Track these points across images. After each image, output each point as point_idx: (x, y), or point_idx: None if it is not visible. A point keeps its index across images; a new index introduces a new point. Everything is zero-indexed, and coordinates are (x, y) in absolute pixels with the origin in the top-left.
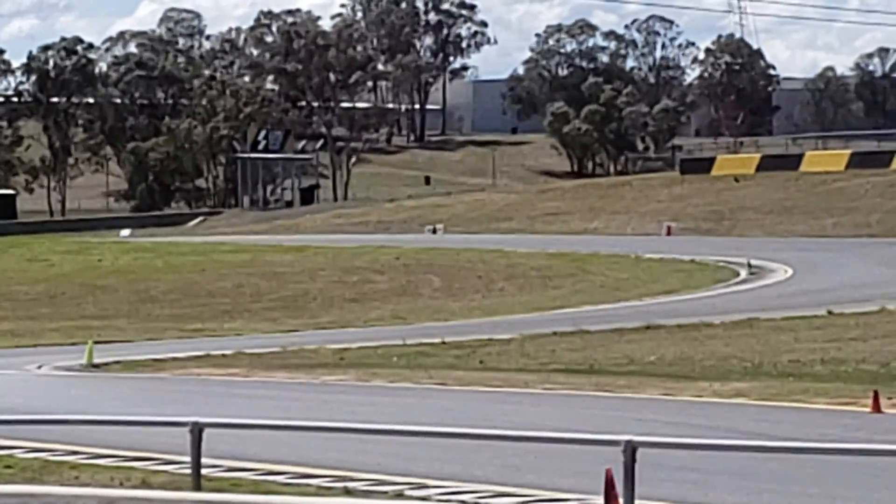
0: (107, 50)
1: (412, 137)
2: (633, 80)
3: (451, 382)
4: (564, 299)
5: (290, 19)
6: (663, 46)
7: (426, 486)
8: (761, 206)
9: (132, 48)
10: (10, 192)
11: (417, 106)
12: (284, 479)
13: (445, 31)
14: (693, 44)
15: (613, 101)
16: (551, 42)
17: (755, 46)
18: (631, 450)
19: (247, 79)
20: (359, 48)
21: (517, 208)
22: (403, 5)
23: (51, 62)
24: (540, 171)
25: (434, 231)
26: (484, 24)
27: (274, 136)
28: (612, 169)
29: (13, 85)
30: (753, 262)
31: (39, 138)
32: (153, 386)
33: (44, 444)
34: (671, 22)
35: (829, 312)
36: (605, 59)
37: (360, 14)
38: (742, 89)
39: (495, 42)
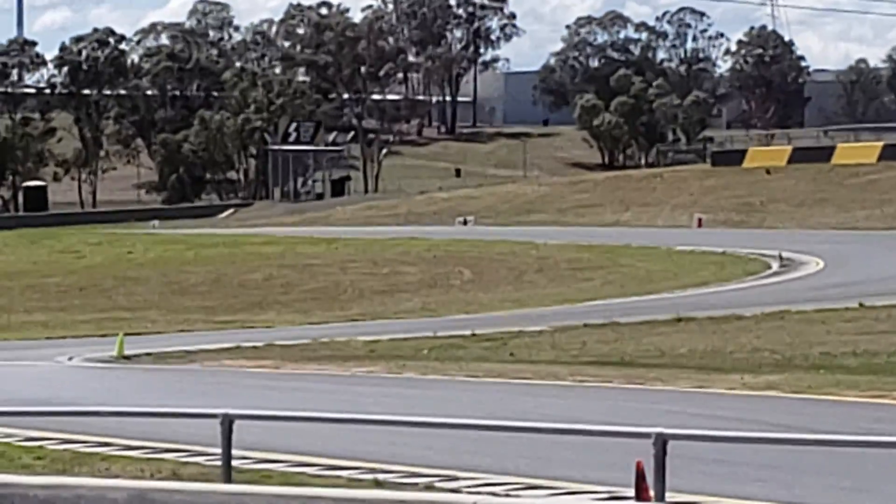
0: (138, 42)
1: (443, 129)
2: (664, 72)
3: (481, 374)
4: (595, 291)
5: (321, 11)
6: (694, 38)
7: (456, 479)
8: (793, 198)
9: (164, 40)
10: (42, 183)
11: (448, 98)
12: (314, 471)
13: (476, 23)
14: (724, 35)
15: (644, 93)
16: (582, 33)
17: (787, 38)
18: (662, 442)
19: (278, 71)
20: (389, 40)
21: (548, 200)
22: None
23: (83, 54)
24: (571, 163)
25: (465, 223)
26: (513, 16)
27: (305, 127)
28: (642, 161)
29: (45, 77)
30: (785, 254)
31: (71, 130)
32: (184, 378)
33: (74, 435)
34: (702, 14)
35: (861, 305)
36: (636, 51)
37: (390, 6)
38: (773, 81)
39: (524, 33)
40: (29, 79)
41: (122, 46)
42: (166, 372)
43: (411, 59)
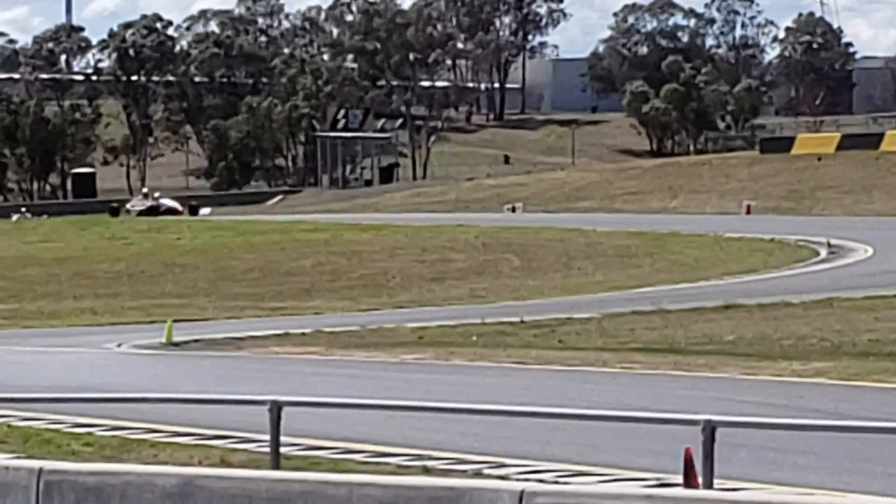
0: (188, 28)
1: (491, 116)
2: (713, 59)
3: (529, 361)
4: (643, 278)
5: None
6: (743, 25)
7: (504, 465)
8: (841, 185)
9: (213, 27)
10: (91, 170)
11: (497, 84)
12: (362, 457)
13: (524, 10)
14: (772, 23)
15: (693, 80)
16: (631, 20)
17: (836, 25)
18: (710, 429)
19: (326, 57)
20: (438, 27)
21: (596, 187)
22: None
23: (131, 40)
24: (619, 150)
25: (513, 210)
26: (561, 1)
27: (353, 114)
28: (691, 148)
29: (93, 63)
30: (833, 241)
31: (119, 117)
32: (232, 364)
33: (123, 422)
34: (751, 0)
35: None
36: (684, 37)
37: None
38: (821, 68)
39: (571, 16)
40: (77, 65)
41: (171, 33)
42: (215, 358)
43: (460, 45)
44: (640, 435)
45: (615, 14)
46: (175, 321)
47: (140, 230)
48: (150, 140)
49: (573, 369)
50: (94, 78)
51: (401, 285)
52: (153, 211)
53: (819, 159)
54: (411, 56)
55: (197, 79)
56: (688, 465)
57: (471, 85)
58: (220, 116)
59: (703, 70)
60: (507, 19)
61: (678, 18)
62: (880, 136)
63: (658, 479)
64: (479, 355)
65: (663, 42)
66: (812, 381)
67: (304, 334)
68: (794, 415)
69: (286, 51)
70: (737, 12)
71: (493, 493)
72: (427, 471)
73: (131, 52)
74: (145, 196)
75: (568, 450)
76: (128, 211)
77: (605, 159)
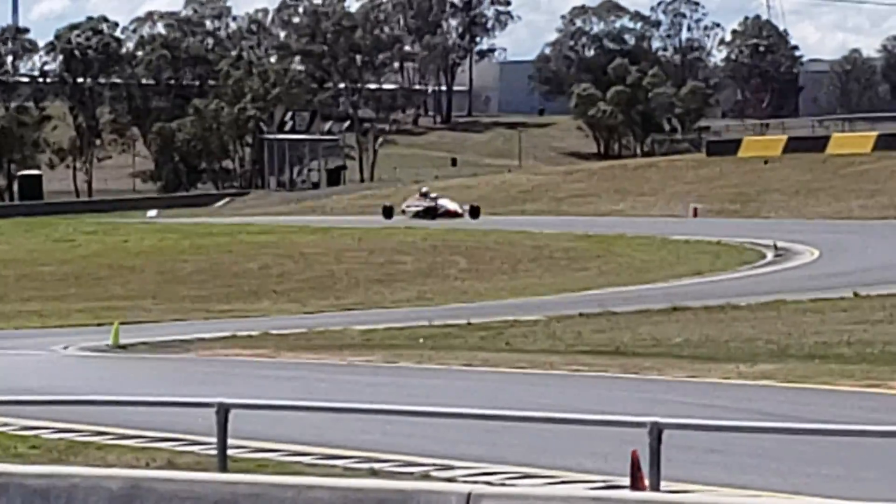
0: (134, 30)
1: (438, 119)
2: (660, 61)
3: (477, 363)
4: (591, 281)
5: (316, 0)
6: (689, 28)
7: (452, 468)
8: (787, 187)
9: (159, 28)
10: (37, 172)
11: (444, 87)
12: (310, 460)
13: (472, 12)
14: (719, 25)
15: (640, 83)
16: (578, 23)
17: (781, 28)
18: (657, 431)
19: (273, 60)
20: (385, 29)
21: (543, 190)
22: None
23: (77, 42)
24: (566, 153)
25: None
26: (508, 3)
27: (300, 117)
28: (638, 150)
29: (39, 65)
30: (780, 243)
31: (66, 119)
32: (179, 367)
33: (70, 424)
34: (697, 3)
35: (856, 294)
36: (631, 40)
37: None
38: (768, 71)
39: (519, 19)
40: (23, 67)
41: (117, 34)
42: (162, 361)
43: (407, 48)
44: (587, 437)
45: (562, 16)
46: (122, 323)
47: (87, 232)
48: (97, 142)
49: (520, 371)
50: (40, 80)
51: (348, 287)
52: (430, 212)
53: (765, 162)
54: (358, 58)
55: (144, 81)
56: (634, 468)
57: (418, 87)
58: (167, 119)
59: (650, 73)
60: (454, 22)
61: (625, 21)
62: (826, 138)
63: (605, 481)
64: (426, 357)
65: (610, 45)
66: (759, 383)
67: (251, 336)
68: (741, 417)
69: (233, 53)
70: (683, 15)
71: (440, 496)
72: (375, 473)
73: (77, 53)
74: (423, 195)
75: (516, 452)
76: (403, 212)
77: (553, 162)
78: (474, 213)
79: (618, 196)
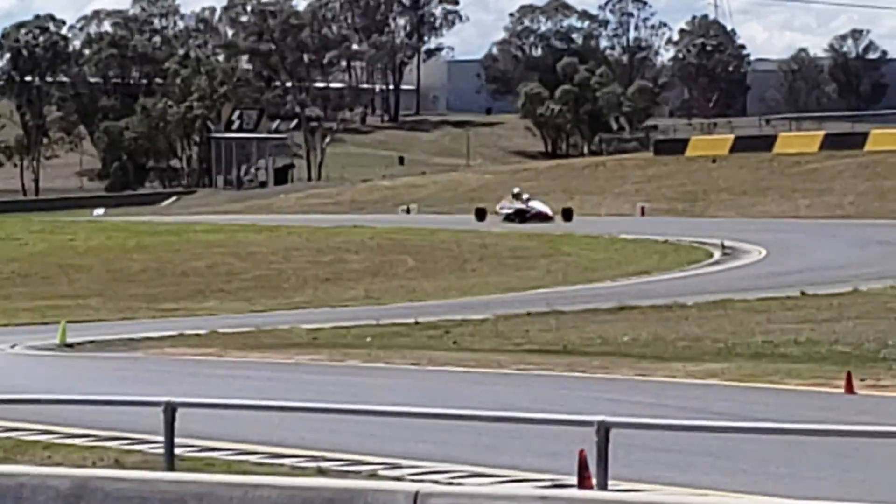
0: (81, 28)
1: (386, 118)
2: (607, 61)
3: (424, 363)
4: (538, 280)
5: None
6: (637, 27)
7: (400, 466)
8: (735, 187)
9: (106, 27)
10: None
11: (392, 86)
12: (258, 458)
13: (420, 11)
14: (666, 25)
15: (587, 82)
16: (526, 22)
17: (729, 27)
18: (604, 430)
19: (221, 58)
20: (333, 28)
21: (491, 188)
22: None
23: (24, 40)
24: (514, 152)
25: (408, 211)
26: (456, 2)
27: (248, 115)
28: (585, 150)
29: None
30: (727, 242)
31: (13, 117)
32: (127, 366)
33: (16, 423)
34: (645, 3)
35: (803, 293)
36: (579, 39)
37: None
38: (715, 70)
39: (467, 19)
40: None
41: (64, 33)
42: (109, 360)
43: (355, 47)
44: (535, 436)
45: (510, 15)
46: (69, 322)
47: (34, 231)
48: (45, 141)
49: (468, 371)
50: None
51: (296, 286)
52: (520, 215)
53: (713, 161)
54: (306, 57)
55: (91, 79)
56: (582, 467)
57: (366, 86)
58: (115, 117)
59: (598, 72)
60: (402, 21)
61: (573, 20)
62: (773, 138)
63: (553, 480)
64: (373, 357)
65: (558, 44)
66: (706, 382)
67: (198, 335)
68: (689, 416)
69: (181, 51)
70: (631, 14)
71: (388, 495)
72: (322, 472)
73: (25, 52)
74: (515, 196)
75: (463, 451)
76: (496, 212)
77: (500, 161)
78: (567, 215)
79: (565, 195)
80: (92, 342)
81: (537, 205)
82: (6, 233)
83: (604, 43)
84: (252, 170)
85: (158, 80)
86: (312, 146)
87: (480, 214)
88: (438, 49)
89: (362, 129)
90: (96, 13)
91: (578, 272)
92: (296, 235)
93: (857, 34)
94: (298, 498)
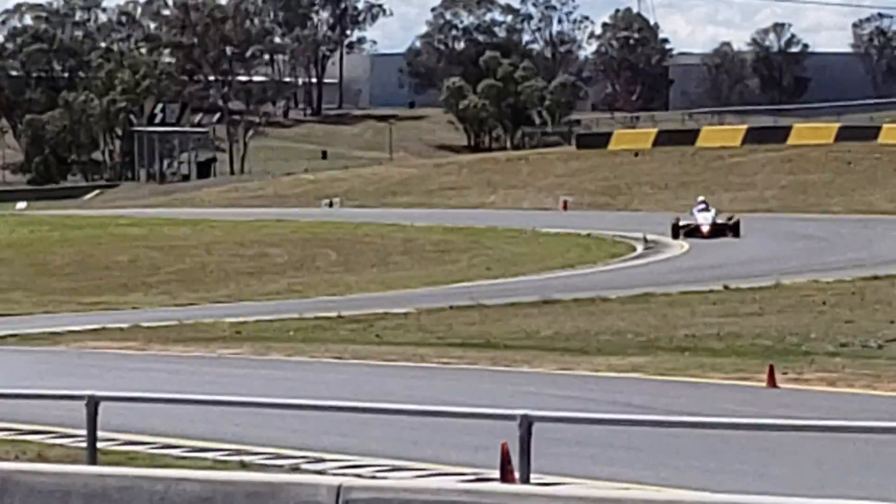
0: (3, 22)
1: (309, 111)
2: (530, 54)
3: (347, 356)
4: (461, 273)
5: None
6: (560, 21)
7: (323, 460)
8: (658, 180)
9: (28, 20)
10: None
11: (314, 80)
12: (181, 452)
13: (342, 4)
14: (589, 18)
15: (510, 76)
16: (448, 16)
17: (652, 21)
18: (527, 424)
19: (144, 52)
20: (255, 21)
21: (414, 183)
22: None
23: None
24: (437, 146)
25: (331, 205)
26: None
27: (171, 109)
28: (508, 144)
29: None
30: (650, 236)
31: None
32: (49, 359)
33: None
34: None
35: (726, 287)
36: (501, 33)
37: None
38: (638, 64)
39: (391, 14)
40: None
41: None
42: (31, 353)
43: (277, 40)
44: (458, 430)
45: (433, 9)
46: None
47: None
48: None
49: (391, 364)
50: None
51: (218, 280)
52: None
53: (636, 155)
54: (229, 51)
55: (14, 73)
56: (504, 460)
57: (288, 80)
58: (38, 111)
59: (521, 66)
60: (324, 14)
61: (495, 14)
62: (696, 132)
63: (475, 473)
64: (296, 350)
65: (480, 38)
66: (629, 375)
67: (121, 329)
68: (612, 410)
69: (103, 45)
70: (553, 8)
71: (310, 488)
72: (245, 465)
73: None
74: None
75: (386, 445)
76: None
77: (423, 155)
78: (733, 230)
79: (488, 189)
80: (14, 336)
81: (701, 217)
82: None
83: (526, 37)
84: (175, 163)
85: (81, 74)
86: (235, 140)
87: (675, 231)
88: (361, 42)
89: (285, 122)
90: (18, 6)
91: (501, 266)
92: (218, 229)
93: (779, 28)
94: (221, 492)
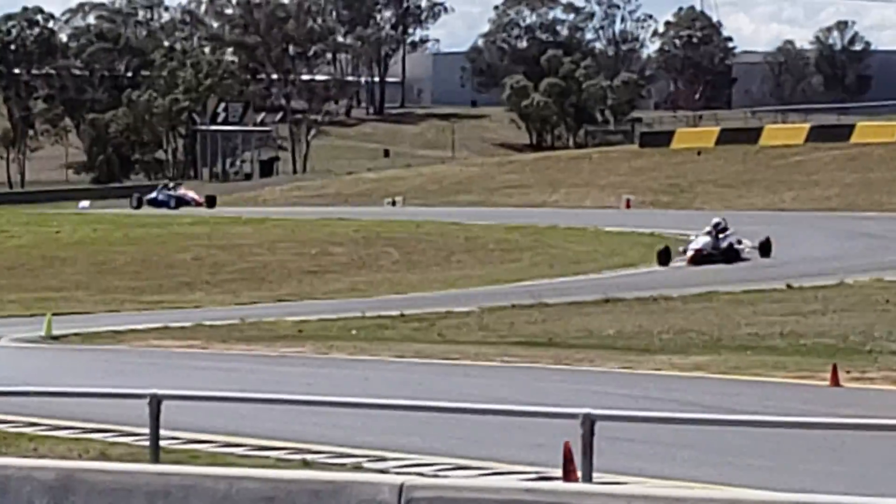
0: (67, 21)
1: (371, 110)
2: (593, 53)
3: (409, 355)
4: (523, 272)
5: None
6: (622, 20)
7: (385, 459)
8: (720, 179)
9: (91, 19)
10: None
11: (377, 78)
12: (243, 451)
13: (405, 3)
14: (652, 17)
15: (573, 74)
16: (511, 14)
17: (715, 19)
18: (589, 423)
19: (207, 51)
20: (318, 20)
21: (476, 181)
22: None
23: (12, 33)
24: (499, 144)
25: (393, 203)
26: None
27: (233, 108)
28: (571, 142)
29: None
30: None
31: (0, 110)
32: (112, 358)
33: (2, 415)
34: None
35: (789, 286)
36: (564, 31)
37: None
38: (701, 63)
39: (453, 10)
40: None
41: (51, 25)
42: (94, 352)
43: (340, 39)
44: (520, 429)
45: (495, 7)
46: (54, 314)
47: (20, 223)
48: (30, 133)
49: (453, 363)
50: None
51: (281, 279)
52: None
53: (698, 153)
54: (291, 49)
55: (77, 72)
56: (567, 459)
57: (351, 79)
58: (101, 110)
59: (583, 64)
60: (387, 13)
61: (558, 12)
62: (759, 130)
63: (538, 472)
64: (358, 349)
65: (543, 36)
66: (691, 374)
67: (183, 328)
68: (674, 408)
69: (166, 44)
70: (616, 6)
71: (372, 487)
72: (307, 464)
73: (12, 45)
74: (717, 231)
75: (448, 443)
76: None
77: (486, 153)
78: (764, 249)
79: (550, 188)
80: (77, 334)
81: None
82: None
83: (589, 35)
84: (237, 162)
85: (144, 73)
86: (297, 138)
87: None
88: (424, 41)
89: (347, 121)
90: (82, 6)
91: (563, 264)
92: (281, 228)
93: (842, 26)
94: (283, 490)
